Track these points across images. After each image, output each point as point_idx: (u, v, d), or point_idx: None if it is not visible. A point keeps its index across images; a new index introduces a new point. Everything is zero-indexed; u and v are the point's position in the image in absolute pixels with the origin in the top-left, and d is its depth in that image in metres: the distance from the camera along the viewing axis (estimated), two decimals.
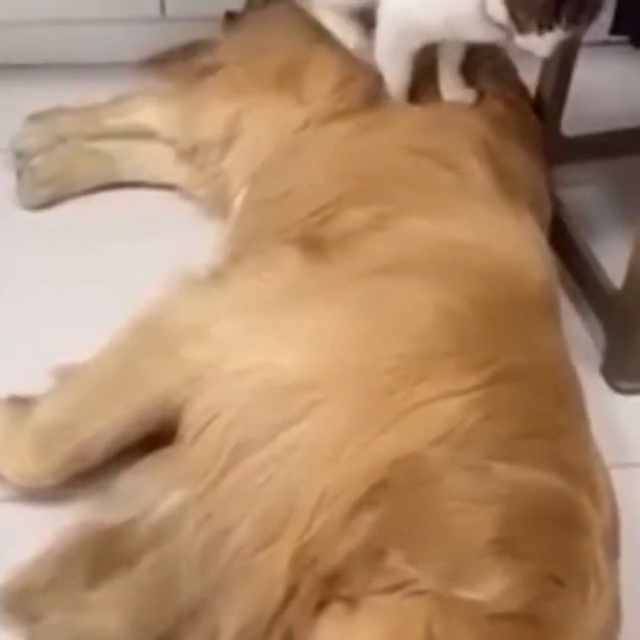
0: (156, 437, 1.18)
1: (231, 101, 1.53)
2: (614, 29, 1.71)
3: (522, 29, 1.22)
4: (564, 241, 1.49)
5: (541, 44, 1.22)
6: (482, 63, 1.46)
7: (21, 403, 1.23)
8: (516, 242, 1.22)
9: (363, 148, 1.37)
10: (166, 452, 1.15)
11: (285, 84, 1.50)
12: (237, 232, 1.43)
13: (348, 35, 1.45)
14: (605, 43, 1.83)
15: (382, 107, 1.41)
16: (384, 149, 1.34)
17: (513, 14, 1.22)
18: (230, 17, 1.43)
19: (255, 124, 1.51)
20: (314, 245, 1.25)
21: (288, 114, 1.47)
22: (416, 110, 1.39)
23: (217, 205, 1.56)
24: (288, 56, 1.51)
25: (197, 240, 1.48)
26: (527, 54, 1.27)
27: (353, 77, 1.46)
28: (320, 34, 1.48)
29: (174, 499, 1.09)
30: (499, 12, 1.23)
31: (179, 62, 1.77)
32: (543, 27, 1.20)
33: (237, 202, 1.48)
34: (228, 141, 1.53)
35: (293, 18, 1.55)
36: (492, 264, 1.16)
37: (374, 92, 1.43)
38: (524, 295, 1.16)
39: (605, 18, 1.69)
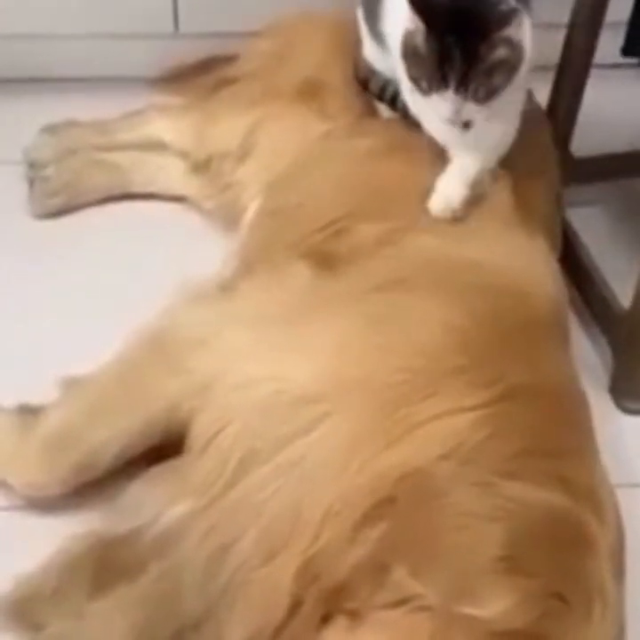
0: (162, 448, 1.18)
1: (247, 113, 1.54)
2: (626, 51, 1.71)
3: (420, 89, 1.24)
4: (572, 261, 1.49)
5: (442, 105, 1.22)
6: None
7: (29, 412, 1.23)
8: (527, 262, 1.22)
9: (381, 164, 1.37)
10: (172, 463, 1.16)
11: (306, 97, 1.51)
12: (249, 242, 1.44)
13: None
14: (616, 65, 1.83)
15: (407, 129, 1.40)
16: (402, 166, 1.34)
17: (409, 72, 1.24)
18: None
19: (272, 136, 1.52)
20: (325, 260, 1.25)
21: (309, 126, 1.48)
22: None
23: (227, 218, 1.57)
24: (310, 71, 1.53)
25: (206, 252, 1.48)
26: None
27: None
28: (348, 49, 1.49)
29: (179, 510, 1.09)
30: (402, 73, 1.27)
31: (192, 78, 1.79)
32: (433, 88, 1.21)
33: (249, 213, 1.48)
34: (242, 153, 1.54)
35: (318, 31, 1.57)
36: (503, 282, 1.17)
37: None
38: (533, 314, 1.16)
39: (617, 40, 1.70)
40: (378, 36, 1.37)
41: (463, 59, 1.18)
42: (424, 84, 1.23)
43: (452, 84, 1.20)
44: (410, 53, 1.24)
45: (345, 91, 1.49)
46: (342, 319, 1.13)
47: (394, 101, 1.40)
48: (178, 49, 1.82)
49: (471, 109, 1.22)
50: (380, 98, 1.43)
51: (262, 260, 1.33)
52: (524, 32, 1.23)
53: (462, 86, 1.20)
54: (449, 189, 1.28)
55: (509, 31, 1.19)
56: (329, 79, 1.51)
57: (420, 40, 1.21)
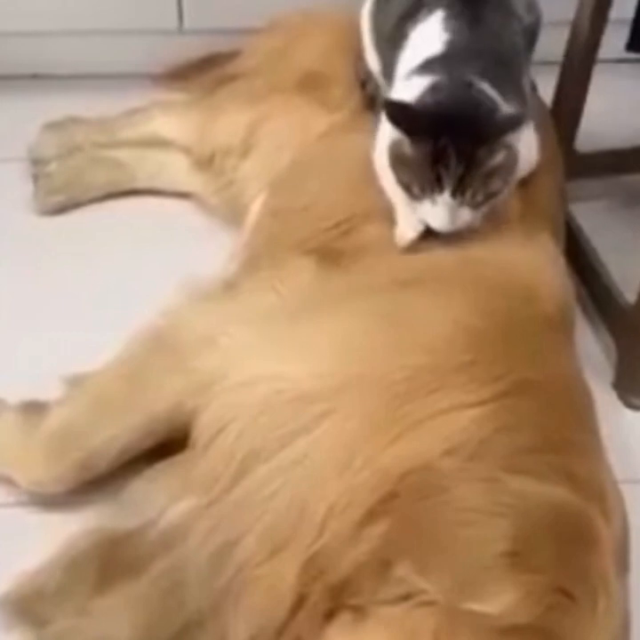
0: (165, 445, 1.18)
1: (249, 109, 1.54)
2: (630, 46, 1.71)
3: (412, 195, 1.17)
4: (576, 256, 1.50)
5: (437, 213, 1.16)
6: None
7: (34, 409, 1.23)
8: (532, 258, 1.22)
9: None
10: (176, 460, 1.16)
11: (308, 90, 1.51)
12: (253, 239, 1.44)
13: None
14: (621, 60, 1.84)
15: None
16: None
17: (400, 179, 1.18)
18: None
19: (275, 131, 1.52)
20: (331, 258, 1.25)
21: (310, 120, 1.48)
22: None
23: (231, 213, 1.57)
24: (312, 64, 1.53)
25: (210, 248, 1.48)
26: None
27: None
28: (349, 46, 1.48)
29: (183, 506, 1.10)
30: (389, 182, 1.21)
31: (196, 74, 1.79)
32: (426, 191, 1.14)
33: (254, 209, 1.48)
34: (246, 148, 1.54)
35: (320, 28, 1.57)
36: (508, 279, 1.16)
37: None
38: (539, 310, 1.16)
39: (621, 36, 1.69)
40: (383, 53, 1.36)
41: (459, 161, 1.12)
42: (416, 189, 1.16)
43: (448, 187, 1.13)
44: (398, 161, 1.17)
45: (346, 81, 1.49)
46: (346, 317, 1.13)
47: None
48: (182, 45, 1.82)
49: (466, 215, 1.16)
50: (373, 101, 1.42)
51: (266, 257, 1.33)
52: (519, 135, 1.18)
53: (459, 190, 1.13)
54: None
55: (510, 137, 1.15)
56: (330, 71, 1.51)
57: (407, 147, 1.15)
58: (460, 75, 1.17)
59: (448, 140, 1.12)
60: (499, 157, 1.14)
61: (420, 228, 1.20)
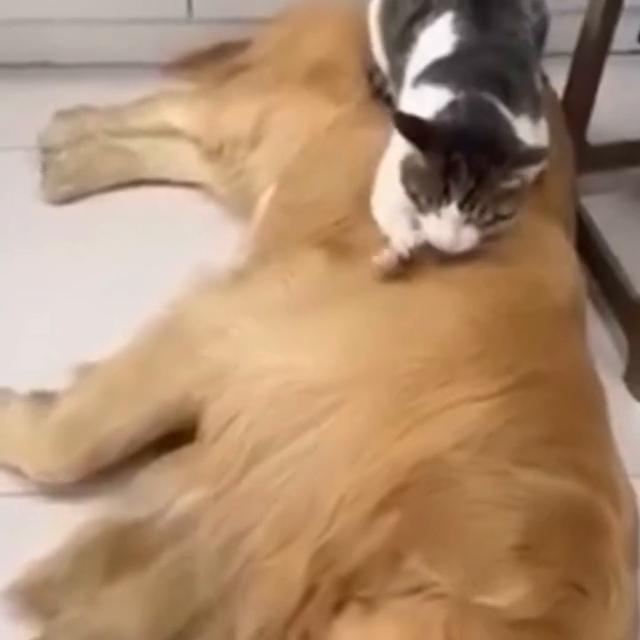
0: (174, 436, 1.18)
1: (258, 99, 1.54)
2: None
3: (418, 207, 1.13)
4: (588, 249, 1.49)
5: (441, 226, 1.11)
6: None
7: (42, 399, 1.23)
8: (544, 250, 1.21)
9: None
10: (185, 451, 1.16)
11: (316, 81, 1.50)
12: (263, 233, 1.43)
13: None
14: (633, 52, 1.83)
15: None
16: None
17: (408, 189, 1.14)
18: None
19: (284, 122, 1.51)
20: (340, 251, 1.24)
21: (319, 111, 1.47)
22: None
23: (240, 204, 1.56)
24: (321, 55, 1.52)
25: (219, 239, 1.48)
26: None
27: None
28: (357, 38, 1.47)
29: (192, 497, 1.10)
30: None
31: (205, 64, 1.78)
32: (433, 202, 1.10)
33: (263, 200, 1.47)
34: (255, 139, 1.53)
35: (329, 18, 1.56)
36: (519, 271, 1.16)
37: None
38: (549, 302, 1.15)
39: (634, 27, 1.69)
40: (391, 56, 1.35)
41: (470, 174, 1.09)
42: (423, 200, 1.12)
43: (455, 199, 1.09)
44: (410, 173, 1.13)
45: (353, 72, 1.48)
46: (355, 309, 1.12)
47: (390, 100, 1.38)
48: (191, 34, 1.81)
49: (471, 234, 1.12)
50: (380, 93, 1.41)
51: (276, 250, 1.33)
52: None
53: (467, 204, 1.10)
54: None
55: (527, 170, 1.14)
56: (338, 61, 1.51)
57: (420, 159, 1.12)
58: (478, 92, 1.15)
59: (461, 155, 1.09)
60: (513, 183, 1.12)
61: (414, 246, 1.16)
